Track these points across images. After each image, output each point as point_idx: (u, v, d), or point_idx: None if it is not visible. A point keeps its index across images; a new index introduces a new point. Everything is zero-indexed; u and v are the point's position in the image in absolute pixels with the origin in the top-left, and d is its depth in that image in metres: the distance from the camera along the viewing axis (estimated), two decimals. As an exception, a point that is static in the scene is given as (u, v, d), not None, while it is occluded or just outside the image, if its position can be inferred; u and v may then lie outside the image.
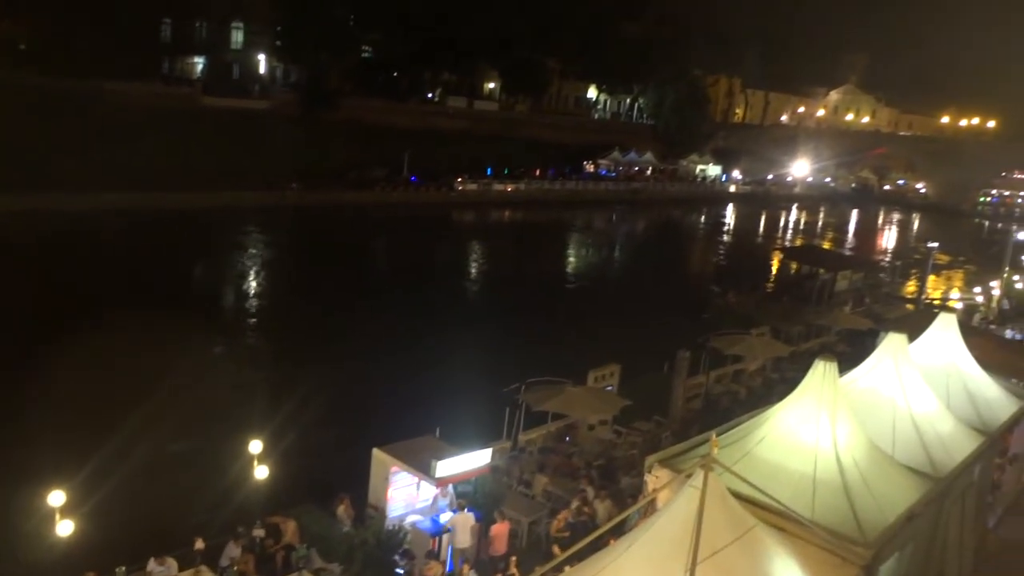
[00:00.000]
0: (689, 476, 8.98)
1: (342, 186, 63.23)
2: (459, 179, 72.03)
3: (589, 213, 78.45)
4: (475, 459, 15.69)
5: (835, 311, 35.72)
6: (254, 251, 48.25)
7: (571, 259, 60.57)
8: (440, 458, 15.05)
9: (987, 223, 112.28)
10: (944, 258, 67.05)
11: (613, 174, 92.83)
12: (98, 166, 47.61)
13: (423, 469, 15.18)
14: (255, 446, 14.44)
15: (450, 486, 15.71)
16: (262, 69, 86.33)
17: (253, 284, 41.97)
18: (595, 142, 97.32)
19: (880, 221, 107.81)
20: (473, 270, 53.29)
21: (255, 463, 14.38)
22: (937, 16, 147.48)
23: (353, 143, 68.67)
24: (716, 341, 26.81)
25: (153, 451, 18.29)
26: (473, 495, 16.16)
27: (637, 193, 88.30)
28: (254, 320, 35.44)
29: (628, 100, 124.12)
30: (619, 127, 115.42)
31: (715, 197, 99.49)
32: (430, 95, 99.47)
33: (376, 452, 15.91)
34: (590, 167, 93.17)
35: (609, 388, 22.57)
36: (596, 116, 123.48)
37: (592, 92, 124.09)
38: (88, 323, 24.51)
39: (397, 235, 58.88)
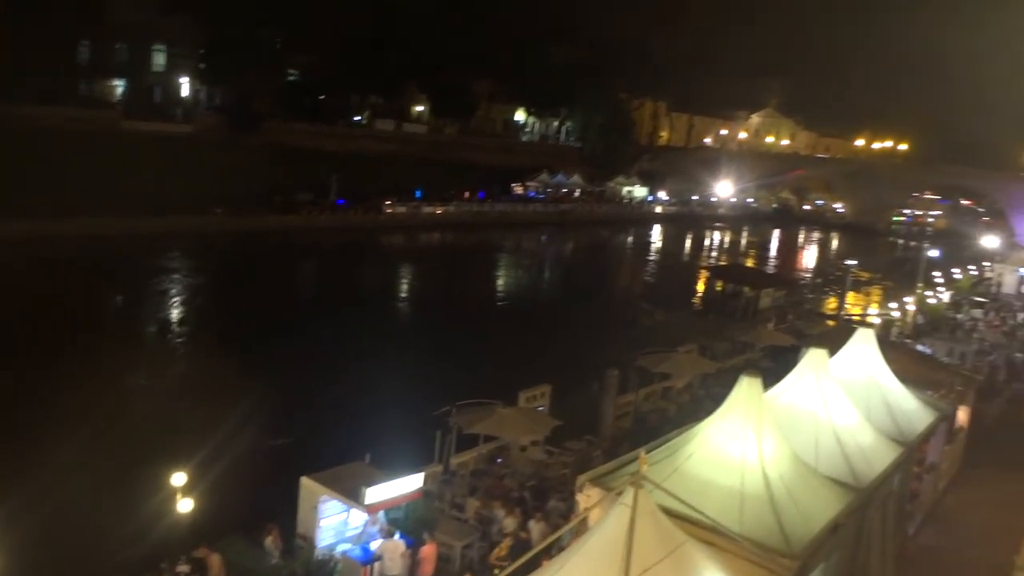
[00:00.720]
0: (619, 494, 9.03)
1: (268, 210, 62.14)
2: (387, 202, 71.59)
3: (518, 235, 78.82)
4: (406, 484, 15.44)
5: (759, 328, 36.42)
6: (177, 278, 46.98)
7: (501, 281, 60.73)
8: (370, 484, 14.78)
9: (901, 241, 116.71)
10: (865, 275, 69.46)
11: (542, 196, 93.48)
12: (6, 193, 45.51)
13: (353, 496, 14.89)
14: (178, 478, 14.01)
15: (381, 513, 15.44)
16: (185, 92, 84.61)
17: (176, 312, 40.82)
18: (524, 164, 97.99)
19: (800, 240, 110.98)
20: (403, 293, 52.97)
21: (178, 496, 13.95)
22: (854, 44, 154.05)
23: (279, 167, 67.80)
24: (644, 359, 27.08)
25: (72, 488, 17.70)
26: (404, 521, 15.93)
27: (566, 215, 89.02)
28: (177, 350, 34.46)
29: (556, 123, 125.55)
30: (547, 150, 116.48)
31: (642, 218, 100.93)
32: (358, 118, 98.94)
33: (304, 480, 15.56)
34: (519, 189, 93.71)
35: (540, 408, 22.57)
36: (524, 139, 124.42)
37: (520, 115, 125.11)
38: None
39: (324, 259, 58.19)
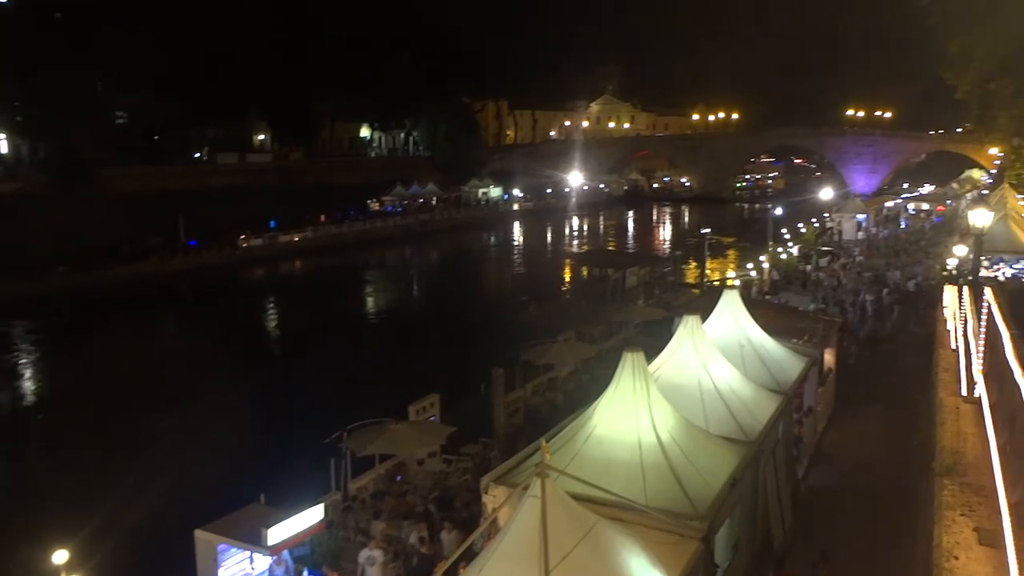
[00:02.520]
0: (526, 488, 9.01)
1: (115, 261, 58.90)
2: (242, 236, 69.29)
3: (382, 251, 77.99)
4: (307, 518, 14.95)
5: (630, 306, 37.43)
6: (24, 347, 43.91)
7: (373, 299, 59.85)
8: (270, 525, 14.22)
9: (746, 205, 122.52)
10: (727, 239, 72.67)
11: (400, 209, 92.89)
12: None
13: (253, 540, 14.29)
14: (60, 556, 13.02)
15: (285, 552, 14.89)
16: (3, 149, 79.27)
17: (27, 383, 38.16)
18: (377, 180, 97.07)
19: (655, 217, 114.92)
20: (271, 326, 51.38)
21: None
22: (677, 24, 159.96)
23: (121, 214, 64.28)
24: (527, 353, 27.35)
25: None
26: (311, 556, 15.43)
27: (426, 224, 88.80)
28: (38, 420, 32.32)
29: (403, 135, 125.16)
30: (398, 162, 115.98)
31: (501, 217, 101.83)
32: (198, 154, 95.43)
33: (198, 533, 14.81)
34: (375, 205, 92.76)
35: (432, 419, 22.37)
36: (373, 154, 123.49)
37: (366, 131, 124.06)
38: None
39: (182, 304, 55.73)
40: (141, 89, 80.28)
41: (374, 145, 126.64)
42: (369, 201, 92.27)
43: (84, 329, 46.35)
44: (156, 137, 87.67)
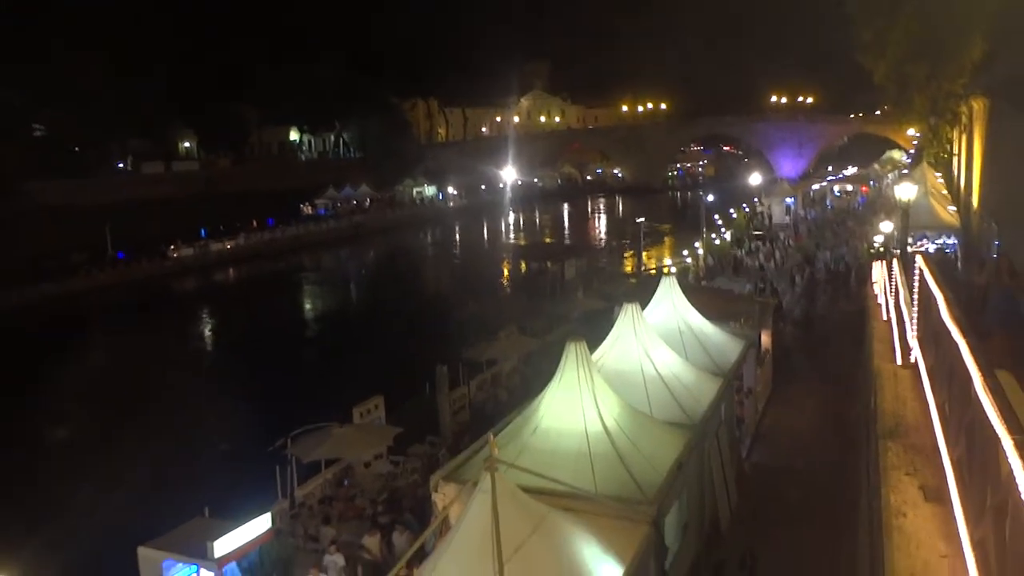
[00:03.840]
0: (476, 483, 8.99)
1: (39, 279, 56.92)
2: (171, 246, 67.76)
3: (317, 255, 77.11)
4: (254, 528, 14.66)
5: (570, 298, 37.65)
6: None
7: (309, 303, 59.11)
8: (215, 537, 13.91)
9: (678, 194, 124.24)
10: (663, 227, 73.66)
11: (333, 212, 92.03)
12: None
13: (200, 554, 13.96)
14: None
15: (233, 563, 14.57)
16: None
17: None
18: (308, 184, 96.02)
19: (590, 209, 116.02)
20: (208, 336, 50.38)
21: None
22: (603, 16, 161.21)
23: (43, 230, 62.42)
24: (469, 350, 27.28)
25: None
26: (261, 566, 15.16)
27: (360, 227, 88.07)
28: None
29: (332, 137, 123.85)
30: (330, 165, 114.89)
31: (436, 216, 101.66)
32: (121, 164, 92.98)
33: (142, 551, 14.39)
34: (308, 209, 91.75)
35: (377, 421, 22.17)
36: (303, 158, 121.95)
37: (295, 135, 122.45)
38: None
39: (113, 318, 54.14)
40: (58, 101, 78.03)
41: (304, 149, 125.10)
42: (301, 205, 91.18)
43: (9, 350, 44.60)
44: (76, 149, 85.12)
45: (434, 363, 25.17)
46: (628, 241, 62.37)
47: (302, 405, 23.01)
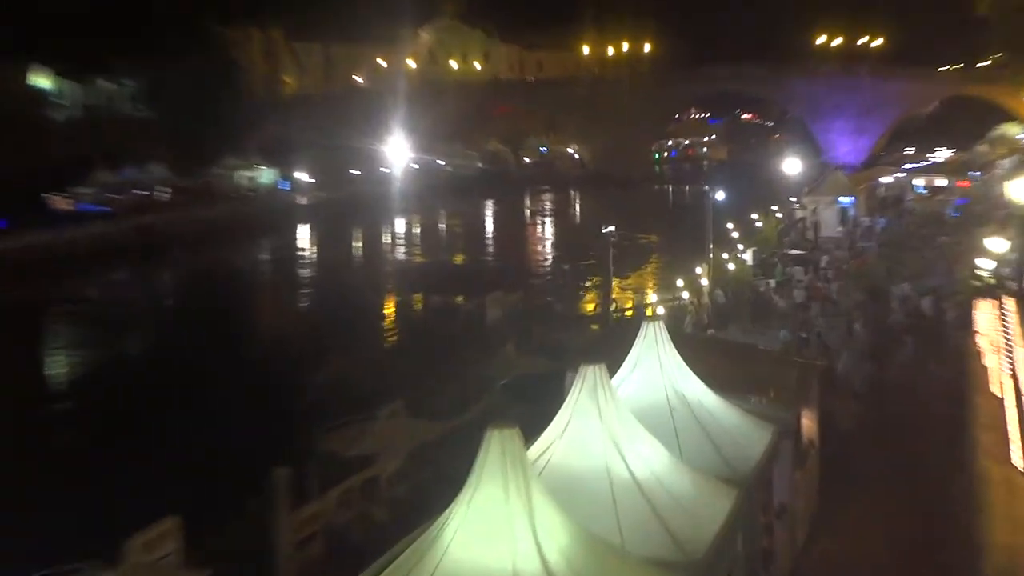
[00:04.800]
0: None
1: None
2: None
3: (74, 279, 75.38)
4: None
5: (495, 354, 37.65)
6: None
7: (52, 368, 57.40)
8: None
9: (670, 188, 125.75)
10: (645, 239, 74.44)
11: (106, 208, 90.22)
12: None
13: None
14: None
15: None
16: None
17: None
18: (64, 159, 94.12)
19: (529, 211, 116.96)
20: None
21: None
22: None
23: None
24: (329, 439, 27.09)
25: None
26: None
27: (150, 231, 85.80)
28: None
29: (107, 85, 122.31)
30: (104, 128, 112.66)
31: (278, 217, 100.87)
32: None
33: None
34: (62, 203, 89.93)
35: (167, 558, 21.79)
36: (61, 117, 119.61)
37: (46, 81, 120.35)
38: None
39: None
40: None
41: (61, 101, 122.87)
42: (49, 195, 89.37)
43: None
44: None
45: (268, 462, 24.84)
46: (589, 264, 62.92)
47: (46, 538, 22.42)
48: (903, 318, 40.05)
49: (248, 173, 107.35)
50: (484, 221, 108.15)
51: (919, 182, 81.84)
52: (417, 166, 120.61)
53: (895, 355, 36.52)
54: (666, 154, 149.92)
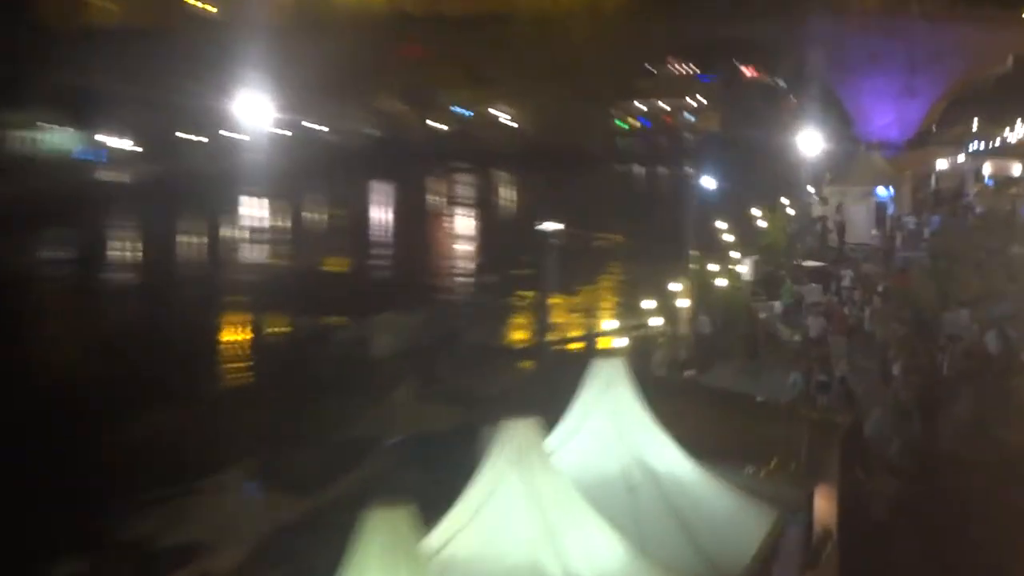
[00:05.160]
0: None
1: None
2: None
3: None
4: None
5: (384, 402, 37.33)
6: None
7: None
8: None
9: (639, 169, 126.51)
10: (603, 240, 74.20)
11: None
12: None
13: None
14: None
15: None
16: None
17: None
18: None
19: (439, 198, 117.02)
20: None
21: None
22: None
23: None
24: (136, 524, 26.94)
25: None
26: None
27: None
28: None
29: None
30: None
31: (76, 198, 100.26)
32: None
33: None
34: None
35: None
36: None
37: None
38: None
39: None
40: None
41: None
42: None
43: None
44: None
45: (44, 557, 24.35)
46: (523, 275, 62.66)
47: None
48: (959, 359, 39.82)
49: (33, 134, 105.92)
50: (377, 211, 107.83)
51: (986, 170, 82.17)
52: (286, 132, 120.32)
53: (948, 411, 36.26)
54: (635, 122, 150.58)
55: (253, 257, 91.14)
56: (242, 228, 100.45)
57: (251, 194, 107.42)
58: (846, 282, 51.51)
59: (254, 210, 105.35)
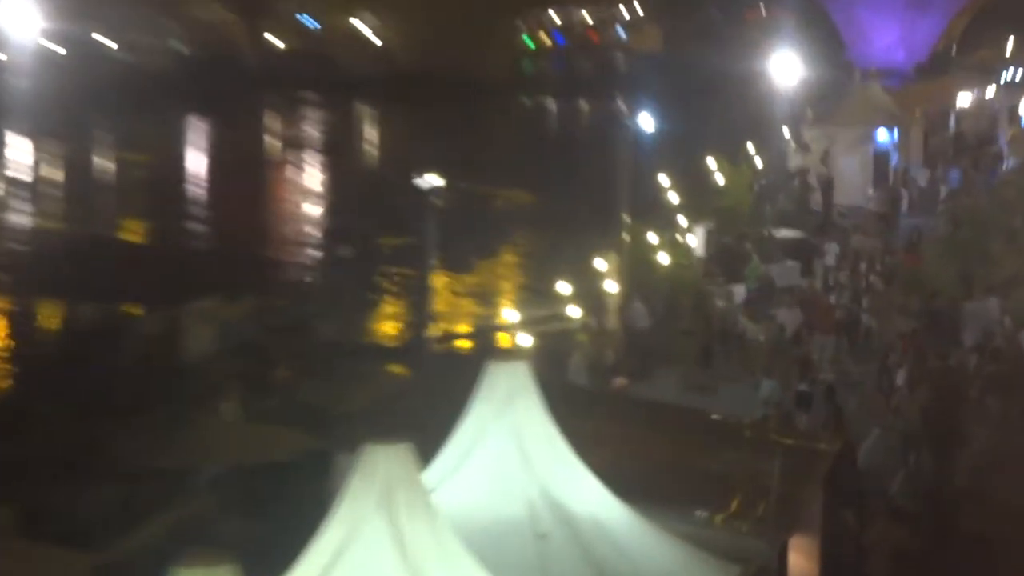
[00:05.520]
0: None
1: None
2: None
3: None
4: None
5: (200, 421, 37.41)
6: None
7: None
8: None
9: (552, 103, 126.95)
10: (502, 198, 74.66)
11: None
12: None
13: None
14: None
15: None
16: None
17: None
18: None
19: (277, 140, 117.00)
20: None
21: None
22: None
23: None
24: None
25: None
26: None
27: None
28: None
29: None
30: None
31: None
32: None
33: None
34: None
35: None
36: None
37: None
38: None
39: None
40: None
41: None
42: None
43: None
44: None
45: None
46: (394, 246, 62.90)
47: None
48: (985, 364, 40.25)
49: None
50: (191, 158, 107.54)
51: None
52: (60, 49, 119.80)
53: (969, 435, 36.68)
54: (547, 39, 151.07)
55: (12, 220, 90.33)
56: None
57: (11, 131, 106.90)
58: (832, 259, 51.93)
59: (14, 153, 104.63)
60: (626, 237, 50.84)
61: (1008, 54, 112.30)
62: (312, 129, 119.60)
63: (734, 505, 21.83)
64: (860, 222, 58.09)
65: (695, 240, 54.64)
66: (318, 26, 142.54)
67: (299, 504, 20.58)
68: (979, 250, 52.65)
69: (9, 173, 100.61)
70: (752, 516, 21.84)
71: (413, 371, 45.72)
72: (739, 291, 47.85)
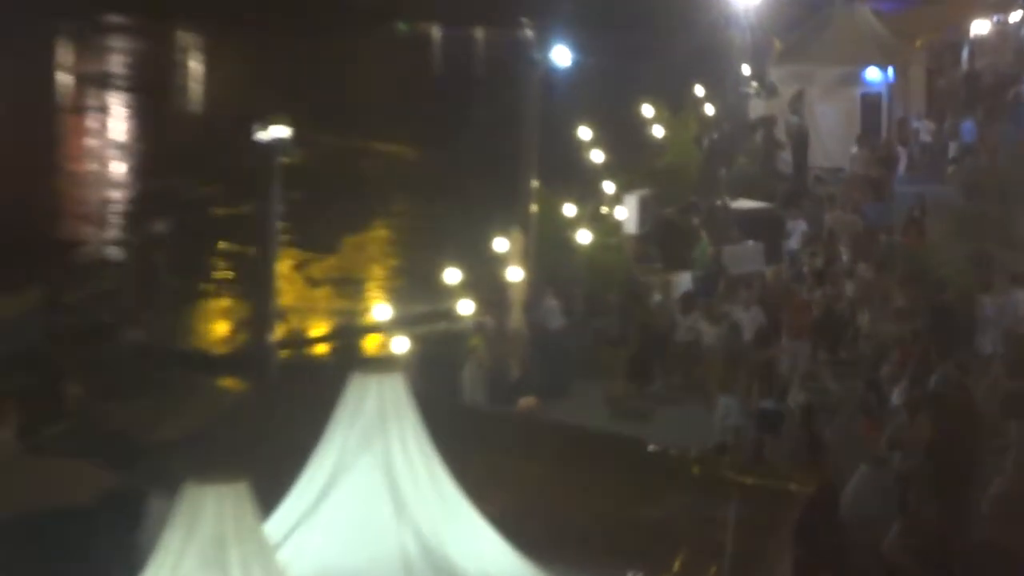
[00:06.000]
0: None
1: None
2: None
3: None
4: None
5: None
6: None
7: None
8: None
9: (438, 31, 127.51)
10: (376, 149, 74.81)
11: None
12: None
13: None
14: None
15: None
16: None
17: None
18: None
19: (69, 71, 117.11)
20: None
21: None
22: None
23: None
24: None
25: None
26: None
27: None
28: None
29: None
30: None
31: None
32: None
33: None
34: None
35: None
36: None
37: None
38: None
39: None
40: None
41: None
42: None
43: None
44: None
45: None
46: (225, 219, 62.98)
47: None
48: (1006, 376, 40.32)
49: None
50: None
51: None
52: None
53: (985, 470, 36.76)
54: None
55: None
56: None
57: None
58: (806, 239, 51.97)
59: None
60: (534, 208, 50.69)
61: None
62: (117, 61, 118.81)
63: (676, 565, 21.93)
64: (843, 189, 57.76)
65: (625, 213, 54.53)
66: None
67: (99, 562, 20.48)
68: (999, 226, 52.67)
69: None
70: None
71: (252, 386, 45.48)
72: (683, 281, 47.91)
